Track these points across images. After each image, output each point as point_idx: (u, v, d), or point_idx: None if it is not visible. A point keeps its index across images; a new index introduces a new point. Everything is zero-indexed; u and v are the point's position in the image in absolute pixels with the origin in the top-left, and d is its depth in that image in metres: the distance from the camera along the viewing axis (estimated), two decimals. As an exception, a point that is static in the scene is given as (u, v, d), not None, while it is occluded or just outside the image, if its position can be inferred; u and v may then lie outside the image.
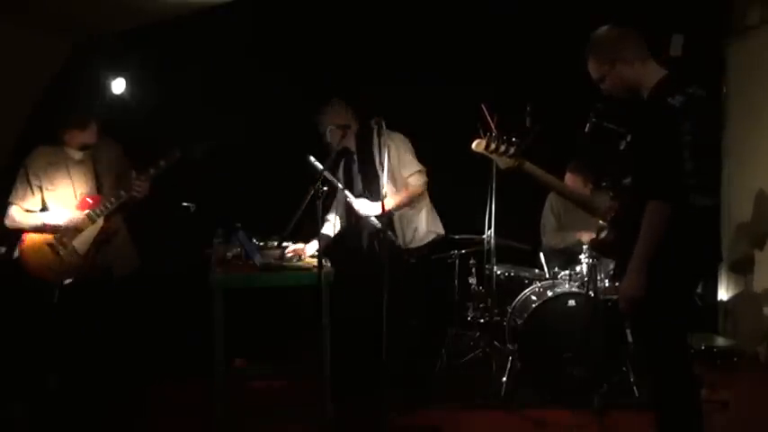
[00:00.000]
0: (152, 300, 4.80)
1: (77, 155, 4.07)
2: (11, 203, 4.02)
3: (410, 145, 4.31)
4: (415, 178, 4.27)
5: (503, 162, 3.08)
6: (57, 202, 4.03)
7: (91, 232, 4.01)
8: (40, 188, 4.02)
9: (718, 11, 5.47)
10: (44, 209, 4.04)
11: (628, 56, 2.95)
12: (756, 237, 5.27)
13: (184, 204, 4.21)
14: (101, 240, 4.02)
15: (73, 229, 3.98)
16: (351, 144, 4.31)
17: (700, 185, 2.83)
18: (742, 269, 5.43)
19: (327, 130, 4.21)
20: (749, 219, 5.35)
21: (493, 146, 3.01)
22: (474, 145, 3.06)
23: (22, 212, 4.02)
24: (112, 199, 3.98)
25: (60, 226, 3.98)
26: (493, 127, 3.04)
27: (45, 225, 3.99)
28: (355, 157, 4.32)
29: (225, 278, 3.78)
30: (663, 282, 2.89)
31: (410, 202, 4.27)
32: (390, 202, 4.07)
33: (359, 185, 4.29)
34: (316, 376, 3.74)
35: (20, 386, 4.07)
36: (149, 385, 4.51)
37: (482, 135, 3.02)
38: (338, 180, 4.27)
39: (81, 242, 4.00)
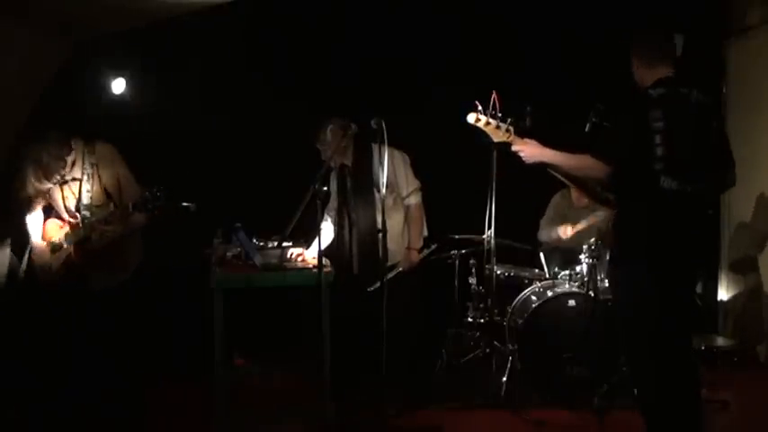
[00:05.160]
0: (152, 300, 4.79)
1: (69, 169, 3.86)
2: None
3: (409, 161, 4.34)
4: (413, 197, 4.33)
5: (496, 135, 3.21)
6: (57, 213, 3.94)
7: (64, 252, 3.85)
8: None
9: (718, 11, 5.47)
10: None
11: (637, 59, 3.24)
12: (756, 237, 5.27)
13: (184, 204, 4.20)
14: (68, 261, 3.85)
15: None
16: (347, 158, 4.31)
17: (670, 170, 3.01)
18: (742, 269, 5.43)
19: (328, 130, 4.21)
20: (749, 219, 5.35)
21: (484, 119, 3.15)
22: (469, 117, 3.17)
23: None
24: (79, 227, 3.79)
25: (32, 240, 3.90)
26: (497, 105, 3.16)
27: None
28: (350, 171, 4.31)
29: (225, 278, 3.78)
30: (642, 264, 3.00)
31: (423, 224, 4.38)
32: (416, 236, 4.32)
33: (351, 201, 4.29)
34: (316, 376, 3.74)
35: (16, 388, 4.05)
36: (149, 385, 4.50)
37: (476, 110, 3.16)
38: (330, 192, 4.30)
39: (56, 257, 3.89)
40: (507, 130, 3.19)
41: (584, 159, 3.11)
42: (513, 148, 3.21)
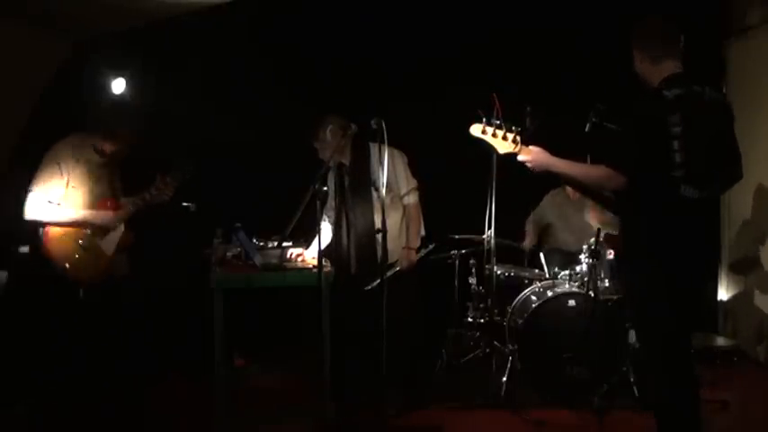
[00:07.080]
0: (152, 300, 4.79)
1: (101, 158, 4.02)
2: (33, 192, 3.77)
3: (407, 161, 4.32)
4: (411, 197, 4.32)
5: (502, 147, 3.10)
6: (72, 201, 3.90)
7: (116, 235, 4.03)
8: (66, 182, 3.85)
9: (718, 11, 5.47)
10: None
11: (639, 54, 3.05)
12: (757, 236, 5.27)
13: (184, 204, 4.21)
14: (124, 245, 4.06)
15: (104, 229, 3.99)
16: (345, 157, 4.30)
17: (689, 177, 2.89)
18: (742, 269, 5.43)
19: (328, 129, 4.20)
20: (749, 217, 5.35)
21: (490, 130, 3.06)
22: (472, 129, 3.10)
23: (47, 204, 3.78)
24: (130, 206, 4.02)
25: (95, 224, 3.96)
26: (498, 113, 3.07)
27: (77, 221, 3.86)
28: (347, 170, 4.31)
29: (225, 278, 3.78)
30: (655, 271, 2.95)
31: (420, 223, 4.36)
32: (414, 235, 4.28)
33: (349, 200, 4.29)
34: (316, 376, 3.74)
35: (25, 385, 4.04)
36: (149, 385, 4.51)
37: (481, 120, 3.07)
38: (329, 191, 4.29)
39: (108, 244, 4.01)
40: (514, 141, 3.06)
41: (600, 170, 2.96)
42: (519, 158, 3.08)
